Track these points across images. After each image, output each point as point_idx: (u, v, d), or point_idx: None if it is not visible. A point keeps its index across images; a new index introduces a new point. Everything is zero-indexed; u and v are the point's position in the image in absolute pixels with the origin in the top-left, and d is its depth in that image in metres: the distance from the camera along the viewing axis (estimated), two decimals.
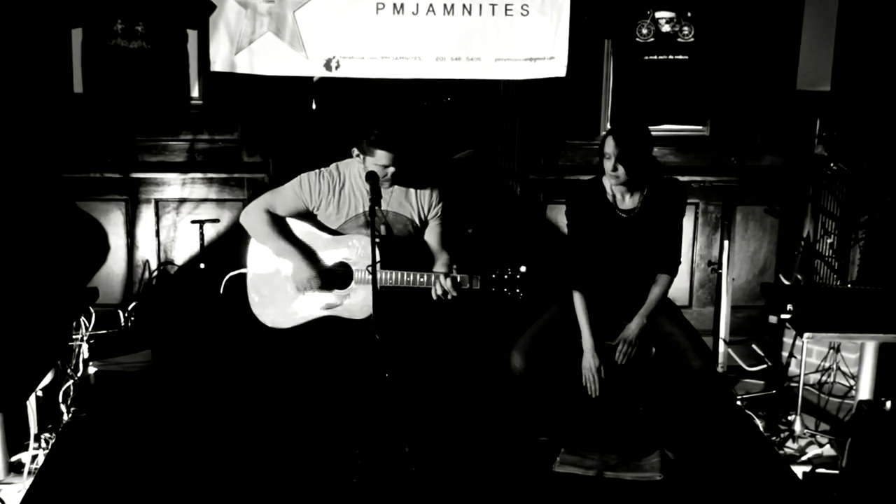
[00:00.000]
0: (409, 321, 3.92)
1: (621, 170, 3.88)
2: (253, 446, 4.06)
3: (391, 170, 3.79)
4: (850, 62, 5.42)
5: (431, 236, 4.04)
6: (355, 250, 3.91)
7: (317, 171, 3.98)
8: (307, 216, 4.00)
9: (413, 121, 7.32)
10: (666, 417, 4.11)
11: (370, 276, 3.51)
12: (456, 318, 4.14)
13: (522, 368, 3.94)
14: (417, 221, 4.01)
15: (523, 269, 3.64)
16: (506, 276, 3.66)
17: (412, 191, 3.98)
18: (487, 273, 3.68)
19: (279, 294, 3.99)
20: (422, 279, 3.75)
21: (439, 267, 3.91)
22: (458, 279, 3.69)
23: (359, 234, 3.92)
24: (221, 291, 5.26)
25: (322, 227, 3.99)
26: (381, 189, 3.78)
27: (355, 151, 3.86)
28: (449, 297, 3.70)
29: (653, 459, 3.90)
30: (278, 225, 3.96)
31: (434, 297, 3.72)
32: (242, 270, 4.15)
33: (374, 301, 3.48)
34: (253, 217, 3.97)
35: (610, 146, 3.89)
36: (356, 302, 3.90)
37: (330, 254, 3.96)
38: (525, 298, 3.67)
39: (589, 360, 3.99)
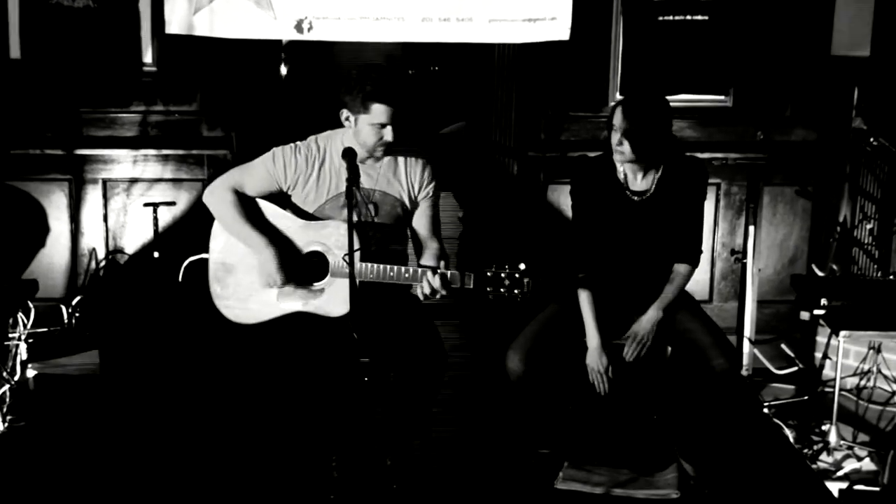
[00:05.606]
0: (391, 318, 3.88)
1: (626, 146, 3.84)
2: (215, 459, 4.04)
3: (388, 129, 3.72)
4: (892, 23, 5.40)
5: (421, 221, 3.99)
6: (333, 237, 3.86)
7: (292, 144, 3.92)
8: (279, 197, 3.95)
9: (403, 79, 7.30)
10: (683, 426, 4.11)
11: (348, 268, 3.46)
12: (446, 314, 4.11)
13: (520, 371, 3.90)
14: (407, 202, 3.96)
15: (522, 266, 3.59)
16: (503, 275, 3.62)
17: (401, 165, 3.93)
18: (482, 270, 3.63)
19: (245, 285, 3.94)
20: (407, 274, 3.70)
21: (428, 259, 3.86)
22: (448, 276, 3.64)
23: (339, 217, 3.87)
24: (179, 280, 5.23)
25: (297, 210, 3.94)
26: (359, 168, 3.73)
27: (344, 113, 3.77)
28: (437, 296, 3.66)
29: (668, 475, 3.89)
30: (246, 208, 3.91)
31: (421, 296, 3.67)
32: (203, 256, 4.10)
33: (351, 296, 3.44)
34: (217, 197, 3.92)
35: (618, 118, 3.85)
36: (332, 297, 3.85)
37: (304, 242, 3.90)
38: (524, 299, 3.63)
39: (595, 359, 3.94)
